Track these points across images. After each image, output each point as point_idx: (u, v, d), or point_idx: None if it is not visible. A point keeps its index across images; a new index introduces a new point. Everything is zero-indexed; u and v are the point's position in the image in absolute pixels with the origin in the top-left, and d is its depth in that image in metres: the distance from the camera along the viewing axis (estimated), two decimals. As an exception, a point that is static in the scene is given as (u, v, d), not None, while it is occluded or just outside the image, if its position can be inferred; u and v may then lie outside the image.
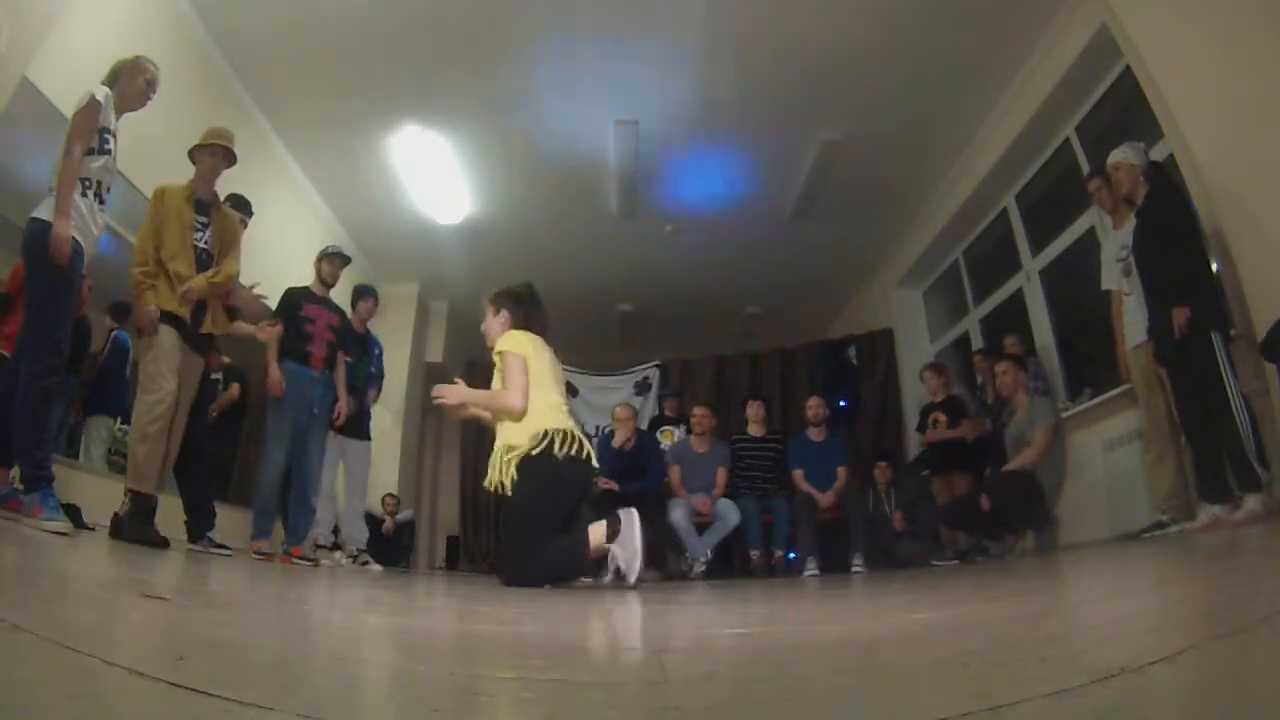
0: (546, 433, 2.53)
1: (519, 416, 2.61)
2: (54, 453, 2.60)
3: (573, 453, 2.54)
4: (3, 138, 3.06)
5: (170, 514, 3.13)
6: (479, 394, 2.78)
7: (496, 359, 2.73)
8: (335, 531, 4.47)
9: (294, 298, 3.96)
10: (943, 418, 4.75)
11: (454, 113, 4.91)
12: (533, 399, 2.62)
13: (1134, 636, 0.88)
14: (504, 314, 2.91)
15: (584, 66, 4.53)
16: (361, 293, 4.56)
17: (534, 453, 2.52)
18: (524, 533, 2.48)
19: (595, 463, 2.66)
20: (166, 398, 2.86)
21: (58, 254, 2.43)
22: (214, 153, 3.21)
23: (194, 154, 3.21)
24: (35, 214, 2.51)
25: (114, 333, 4.05)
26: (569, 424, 2.63)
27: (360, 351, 4.44)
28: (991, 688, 0.64)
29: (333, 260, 4.12)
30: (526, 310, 2.92)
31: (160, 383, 2.87)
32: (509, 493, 2.52)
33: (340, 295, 4.59)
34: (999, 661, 0.76)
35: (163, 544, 2.92)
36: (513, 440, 2.57)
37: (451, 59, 4.44)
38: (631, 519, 2.39)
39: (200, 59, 4.21)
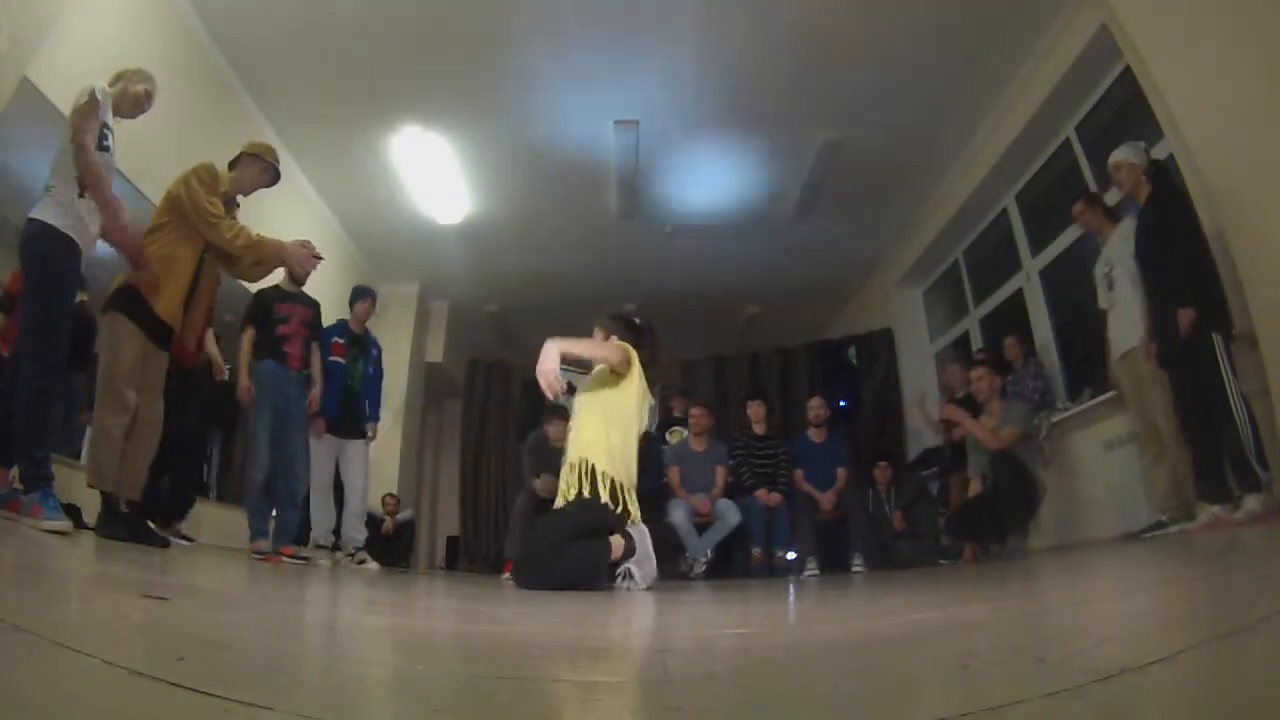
0: (599, 476, 2.53)
1: (620, 377, 2.64)
2: (54, 452, 2.59)
3: (616, 509, 2.53)
4: (3, 138, 3.06)
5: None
6: (580, 343, 2.68)
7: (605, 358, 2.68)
8: (336, 531, 4.48)
9: (264, 299, 3.95)
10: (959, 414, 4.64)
11: (454, 113, 4.91)
12: (612, 424, 2.61)
13: (1134, 636, 0.88)
14: (614, 340, 2.81)
15: (584, 66, 4.53)
16: (360, 294, 4.56)
17: (585, 497, 2.52)
18: (554, 537, 2.48)
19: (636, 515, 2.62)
20: (128, 406, 2.81)
21: (120, 244, 2.51)
22: (265, 170, 3.23)
23: (244, 159, 3.21)
24: (33, 214, 2.49)
25: None
26: (623, 475, 2.59)
27: (357, 352, 4.44)
28: (991, 688, 0.64)
29: None
30: (639, 341, 2.81)
31: (121, 397, 2.80)
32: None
33: (338, 296, 4.59)
34: (999, 661, 0.76)
35: (163, 543, 2.92)
36: (594, 456, 2.56)
37: (451, 59, 4.44)
38: (644, 535, 2.49)
39: (200, 58, 4.21)
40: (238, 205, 3.24)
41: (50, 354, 2.45)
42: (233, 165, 3.23)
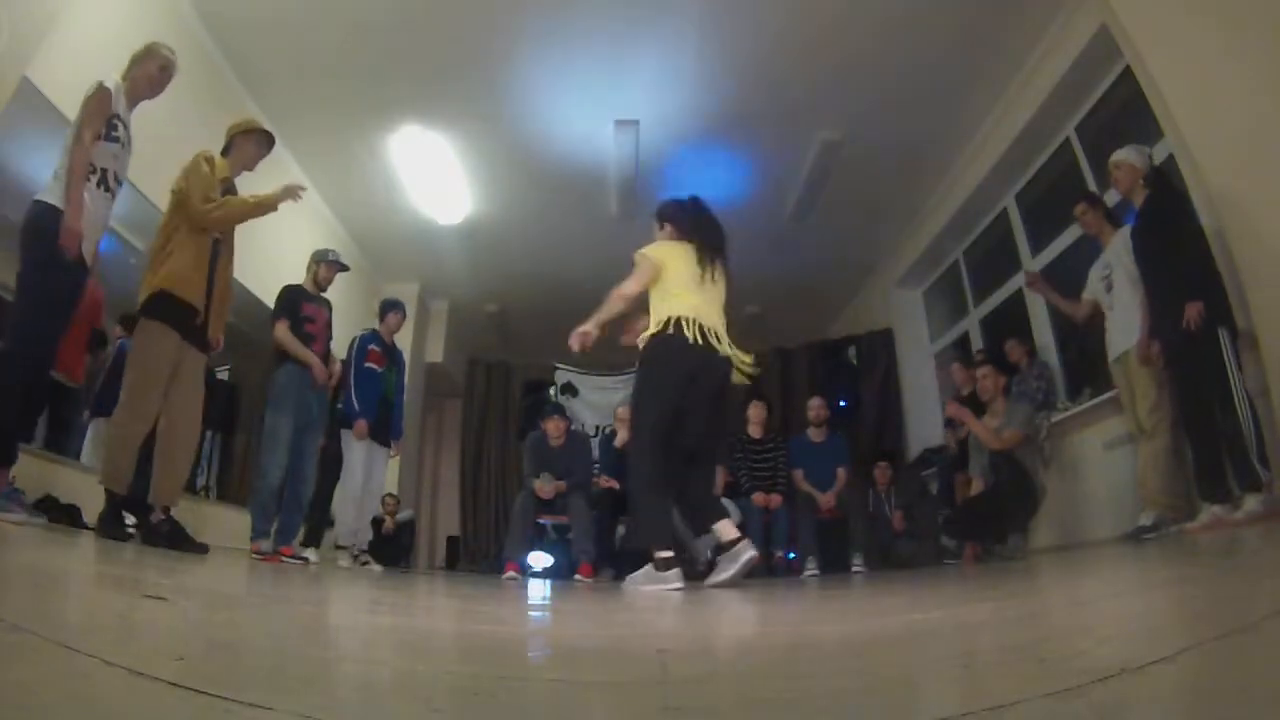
0: (672, 319, 2.70)
1: (628, 304, 2.81)
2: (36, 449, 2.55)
3: (696, 340, 2.68)
4: (3, 138, 3.05)
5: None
6: (601, 311, 2.86)
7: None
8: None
9: (294, 297, 3.95)
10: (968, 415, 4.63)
11: (454, 113, 4.91)
12: (672, 295, 2.80)
13: (1134, 636, 0.88)
14: (668, 229, 3.05)
15: (584, 67, 4.53)
16: (391, 306, 4.62)
17: (658, 333, 2.68)
18: (640, 451, 2.63)
19: (731, 352, 2.81)
20: (150, 414, 2.78)
21: (67, 248, 2.35)
22: (258, 141, 3.20)
23: (236, 140, 3.17)
24: (39, 197, 2.44)
25: (120, 341, 4.05)
26: (701, 316, 2.77)
27: (390, 363, 4.51)
28: (991, 688, 0.64)
29: (332, 267, 4.14)
30: (692, 220, 3.04)
31: (146, 398, 2.76)
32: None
33: (339, 296, 4.58)
34: (999, 661, 0.76)
35: (202, 549, 2.90)
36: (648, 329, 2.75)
37: (452, 59, 4.44)
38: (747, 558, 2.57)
39: (200, 58, 4.20)
40: (236, 193, 3.20)
41: (37, 346, 2.39)
42: (226, 151, 3.20)
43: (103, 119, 2.53)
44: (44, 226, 2.39)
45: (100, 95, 2.52)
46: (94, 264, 2.79)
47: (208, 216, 2.90)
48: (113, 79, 2.60)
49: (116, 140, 2.60)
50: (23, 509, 2.39)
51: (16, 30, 2.80)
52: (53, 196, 2.43)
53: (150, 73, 2.75)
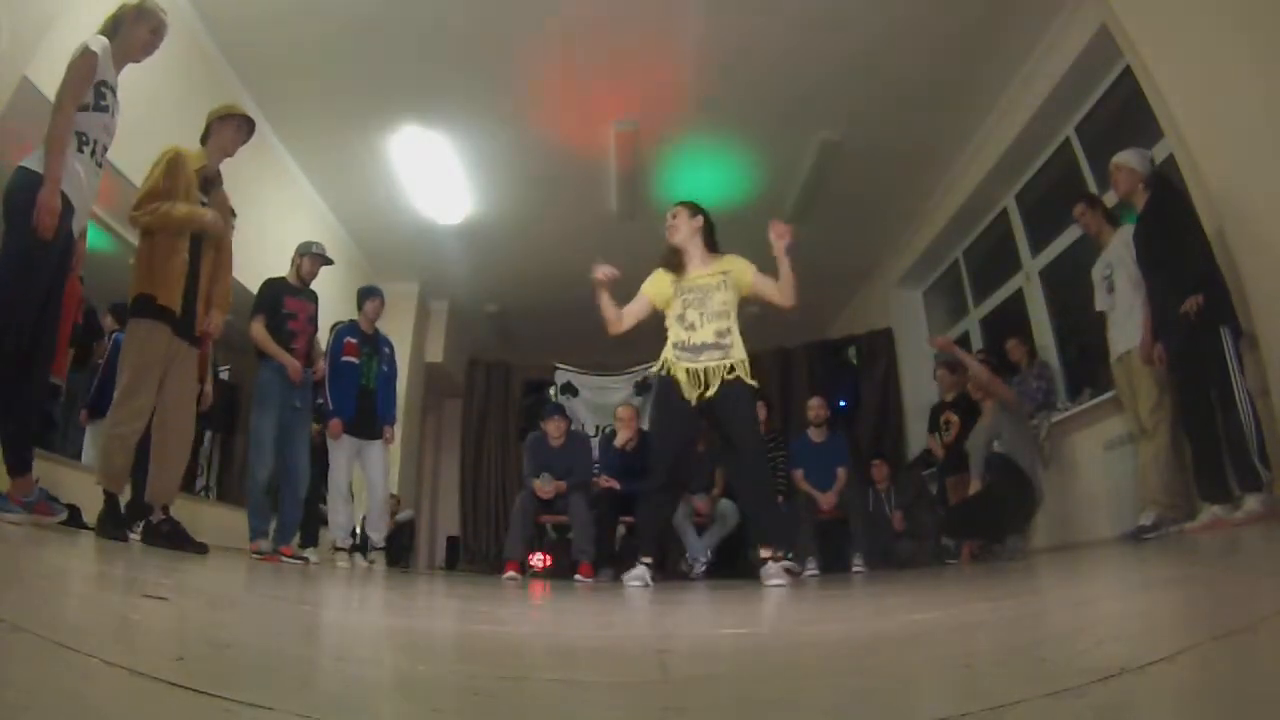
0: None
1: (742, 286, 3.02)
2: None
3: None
4: (3, 138, 3.05)
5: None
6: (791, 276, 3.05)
7: (748, 271, 3.11)
8: (354, 534, 4.47)
9: (275, 291, 3.90)
10: (955, 419, 4.70)
11: (454, 113, 4.91)
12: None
13: (1134, 636, 0.88)
14: (700, 220, 3.11)
15: (584, 67, 4.53)
16: (368, 293, 4.52)
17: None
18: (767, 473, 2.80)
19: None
20: (144, 412, 2.73)
21: (42, 225, 2.20)
22: (238, 126, 3.10)
23: (213, 125, 3.08)
24: (24, 163, 2.30)
25: (114, 335, 4.04)
26: None
27: (370, 351, 4.40)
28: (991, 688, 0.64)
29: (315, 260, 4.08)
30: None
31: (139, 396, 2.71)
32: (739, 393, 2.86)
33: (338, 295, 4.58)
34: (999, 661, 0.76)
35: (202, 549, 2.87)
36: (743, 354, 2.94)
37: (452, 59, 4.44)
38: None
39: (200, 57, 4.21)
40: (220, 180, 3.13)
41: (17, 330, 2.22)
42: (205, 138, 3.11)
43: (89, 86, 2.37)
44: (28, 200, 2.23)
45: (86, 60, 2.35)
46: (81, 240, 2.67)
47: (135, 221, 2.81)
48: (99, 41, 2.41)
49: (105, 109, 2.44)
50: (25, 509, 2.38)
51: (16, 30, 2.79)
52: (39, 164, 2.29)
53: (142, 37, 2.58)
